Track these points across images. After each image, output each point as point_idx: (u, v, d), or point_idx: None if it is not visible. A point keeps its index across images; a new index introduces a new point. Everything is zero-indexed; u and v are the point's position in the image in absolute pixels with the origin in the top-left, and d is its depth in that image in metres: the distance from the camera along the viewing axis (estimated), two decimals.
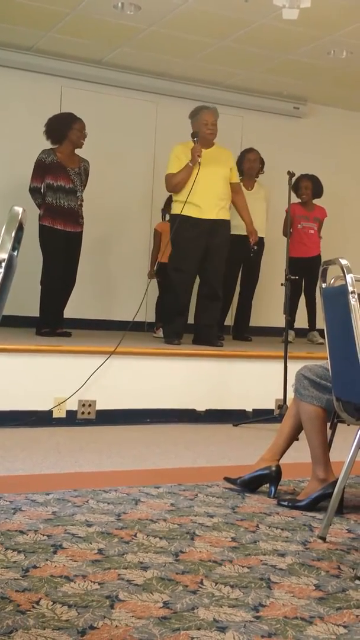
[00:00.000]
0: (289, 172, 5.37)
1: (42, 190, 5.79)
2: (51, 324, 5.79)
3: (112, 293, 7.50)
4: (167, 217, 6.90)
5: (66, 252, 5.84)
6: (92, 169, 6.05)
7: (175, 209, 5.82)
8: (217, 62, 7.02)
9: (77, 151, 5.94)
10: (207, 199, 5.70)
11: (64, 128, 5.85)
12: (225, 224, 5.87)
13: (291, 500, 3.20)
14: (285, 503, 3.18)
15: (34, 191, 5.82)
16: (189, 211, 5.67)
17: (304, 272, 6.60)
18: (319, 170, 7.24)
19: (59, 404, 4.82)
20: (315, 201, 7.16)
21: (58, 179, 5.75)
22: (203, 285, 5.96)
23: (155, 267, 6.86)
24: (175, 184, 5.76)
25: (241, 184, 6.26)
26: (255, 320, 7.26)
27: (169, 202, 6.73)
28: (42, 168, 5.77)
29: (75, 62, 7.14)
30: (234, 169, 6.04)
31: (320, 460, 3.13)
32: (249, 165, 6.81)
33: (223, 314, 6.65)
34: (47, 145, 5.91)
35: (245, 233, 6.16)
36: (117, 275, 7.53)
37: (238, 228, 6.18)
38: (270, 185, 6.97)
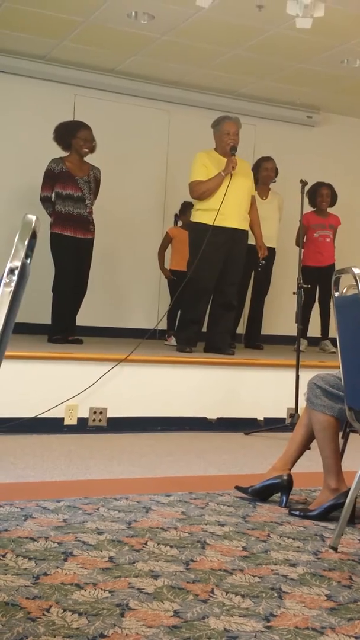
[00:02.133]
0: (301, 181, 5.37)
1: (52, 199, 5.81)
2: (63, 331, 5.80)
3: (124, 301, 7.51)
4: (180, 222, 6.91)
5: (77, 259, 5.84)
6: (105, 177, 6.06)
7: (199, 217, 5.78)
8: (230, 70, 7.04)
9: (91, 159, 5.94)
10: (233, 208, 5.69)
11: (68, 137, 5.87)
12: (245, 234, 5.88)
13: (303, 509, 3.19)
14: (297, 512, 3.17)
15: (44, 200, 5.83)
16: (216, 220, 5.62)
17: (319, 280, 6.59)
18: (332, 179, 7.24)
19: (64, 402, 4.82)
20: (329, 210, 7.16)
21: (67, 187, 5.76)
22: (218, 294, 5.91)
23: (169, 275, 6.86)
24: (203, 191, 5.72)
25: (255, 195, 6.25)
26: (268, 329, 7.26)
27: (184, 208, 6.73)
28: (51, 177, 5.79)
29: (88, 71, 7.18)
30: (253, 181, 6.07)
31: (332, 469, 3.12)
32: (266, 174, 6.79)
33: (235, 322, 6.64)
34: (60, 153, 5.94)
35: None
36: (129, 282, 7.54)
37: (251, 237, 6.18)
38: (282, 194, 6.97)
